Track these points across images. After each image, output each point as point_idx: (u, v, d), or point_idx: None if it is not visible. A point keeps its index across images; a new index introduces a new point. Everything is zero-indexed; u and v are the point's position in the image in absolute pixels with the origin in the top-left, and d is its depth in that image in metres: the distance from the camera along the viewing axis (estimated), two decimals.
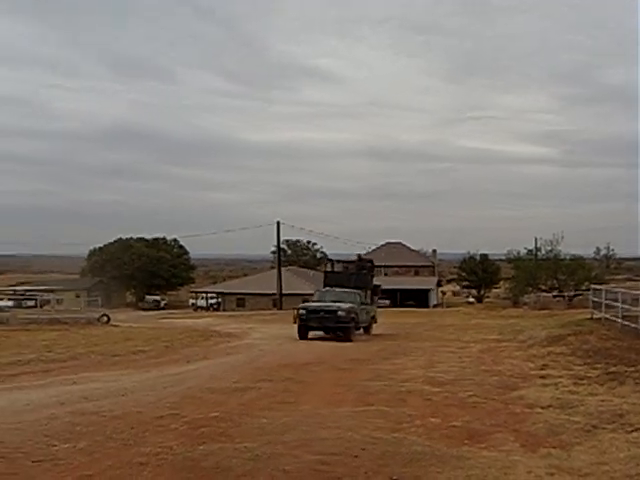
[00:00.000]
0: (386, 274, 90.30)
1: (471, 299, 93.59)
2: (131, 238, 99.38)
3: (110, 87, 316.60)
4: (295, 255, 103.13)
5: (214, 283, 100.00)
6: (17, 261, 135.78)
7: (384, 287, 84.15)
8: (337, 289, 30.46)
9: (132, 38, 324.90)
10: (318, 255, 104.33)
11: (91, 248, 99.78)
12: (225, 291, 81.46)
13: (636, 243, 60.96)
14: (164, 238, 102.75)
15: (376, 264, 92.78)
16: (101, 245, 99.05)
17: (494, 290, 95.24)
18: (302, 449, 8.37)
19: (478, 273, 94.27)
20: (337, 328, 27.44)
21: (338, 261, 36.09)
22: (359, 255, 36.63)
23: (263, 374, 15.52)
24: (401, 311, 60.73)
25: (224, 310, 75.35)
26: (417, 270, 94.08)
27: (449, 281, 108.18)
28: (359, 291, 30.59)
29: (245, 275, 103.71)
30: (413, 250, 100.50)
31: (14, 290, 68.61)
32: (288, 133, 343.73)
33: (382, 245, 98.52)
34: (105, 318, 41.76)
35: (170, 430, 9.48)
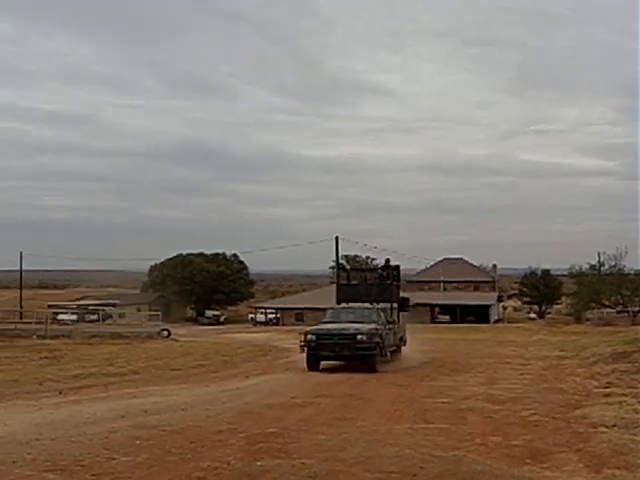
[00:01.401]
0: (445, 289, 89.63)
1: (532, 315, 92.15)
2: (191, 254, 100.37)
3: (172, 105, 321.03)
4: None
5: (273, 298, 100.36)
6: (80, 276, 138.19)
7: (445, 302, 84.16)
8: (355, 305, 24.10)
9: (193, 55, 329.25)
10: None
11: (152, 263, 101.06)
12: (284, 306, 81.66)
13: None
14: (224, 253, 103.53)
15: (435, 279, 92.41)
16: (162, 260, 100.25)
17: (556, 306, 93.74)
18: (360, 467, 8.28)
19: (540, 288, 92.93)
20: (357, 357, 20.81)
21: (355, 269, 32.11)
22: (387, 260, 27.49)
23: (322, 389, 15.50)
24: (460, 327, 60.11)
25: (283, 325, 75.57)
26: (477, 285, 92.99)
27: (510, 296, 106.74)
28: (383, 306, 24.00)
29: (304, 290, 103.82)
30: (473, 265, 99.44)
31: (78, 304, 69.88)
32: (346, 148, 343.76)
33: (441, 260, 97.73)
34: (165, 332, 42.19)
35: (228, 445, 9.49)
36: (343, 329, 21.04)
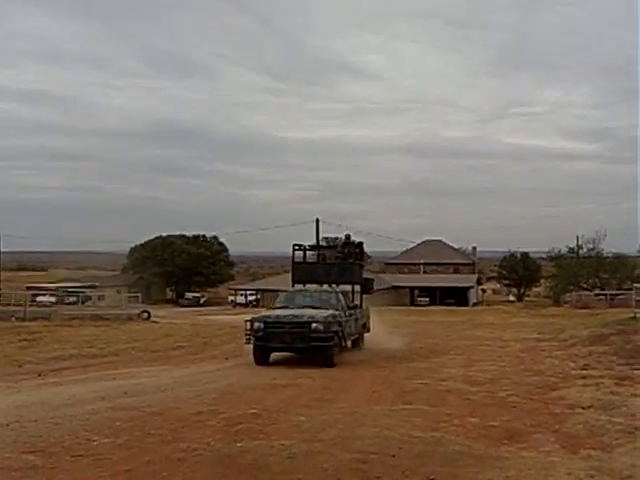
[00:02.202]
0: (425, 272, 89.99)
1: (512, 297, 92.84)
2: (171, 235, 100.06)
3: (154, 84, 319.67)
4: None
5: (253, 280, 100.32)
6: (58, 257, 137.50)
7: (424, 285, 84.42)
8: (312, 288, 20.85)
9: (176, 35, 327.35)
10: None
11: (132, 245, 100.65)
12: (264, 288, 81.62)
13: None
14: (204, 235, 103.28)
15: (415, 262, 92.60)
16: (142, 242, 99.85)
17: (535, 289, 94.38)
18: (339, 447, 8.35)
19: (519, 271, 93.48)
20: (312, 348, 17.44)
21: (312, 247, 24.84)
22: (347, 236, 23.51)
23: (302, 371, 15.57)
24: (439, 309, 60.44)
25: (263, 307, 75.61)
26: (457, 268, 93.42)
27: (489, 279, 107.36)
28: (343, 289, 20.98)
29: (285, 272, 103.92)
30: (453, 248, 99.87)
31: (57, 287, 69.56)
32: (327, 130, 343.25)
33: (421, 243, 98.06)
34: (145, 314, 42.13)
35: (208, 426, 9.53)
36: (296, 316, 17.63)
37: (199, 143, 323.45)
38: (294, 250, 22.71)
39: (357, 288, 22.37)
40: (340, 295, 19.84)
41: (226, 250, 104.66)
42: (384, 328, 25.73)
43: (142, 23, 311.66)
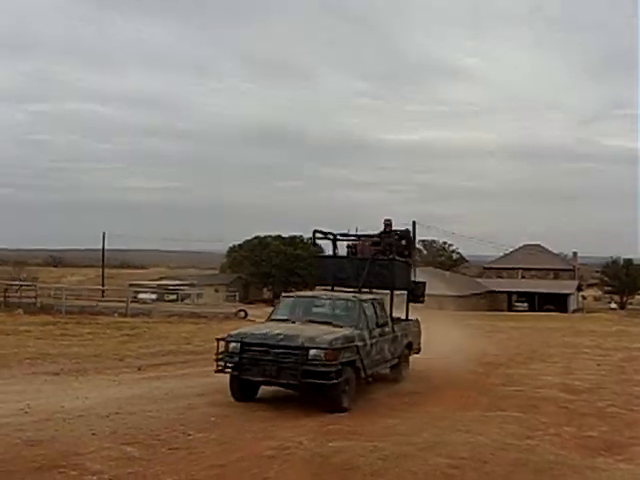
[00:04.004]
0: (524, 277, 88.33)
1: (613, 305, 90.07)
2: (269, 236, 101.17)
3: (253, 88, 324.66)
4: (431, 256, 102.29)
5: None
6: (159, 256, 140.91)
7: (522, 290, 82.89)
8: (324, 295, 14.11)
9: (274, 39, 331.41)
10: (454, 256, 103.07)
11: (230, 245, 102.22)
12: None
13: None
14: (301, 236, 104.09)
15: (514, 266, 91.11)
16: (240, 242, 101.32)
17: (638, 297, 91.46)
18: (431, 451, 8.32)
19: (621, 278, 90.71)
20: (307, 387, 11.36)
21: (345, 235, 16.12)
22: (388, 222, 15.96)
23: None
24: (538, 315, 59.23)
25: None
26: (556, 273, 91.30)
27: (590, 286, 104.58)
28: (377, 297, 14.35)
29: None
30: (553, 253, 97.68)
31: (157, 284, 71.27)
32: (424, 132, 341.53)
33: (520, 247, 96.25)
34: (242, 313, 42.65)
35: (300, 425, 9.65)
36: (288, 337, 11.49)
37: (295, 146, 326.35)
38: (315, 239, 15.94)
39: (400, 293, 16.15)
40: (365, 305, 13.22)
41: (322, 251, 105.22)
42: (479, 332, 25.33)
43: (240, 28, 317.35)
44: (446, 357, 19.27)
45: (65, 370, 15.36)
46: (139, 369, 15.84)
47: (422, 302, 16.56)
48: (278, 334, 11.63)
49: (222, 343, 11.97)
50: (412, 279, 16.51)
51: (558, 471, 7.66)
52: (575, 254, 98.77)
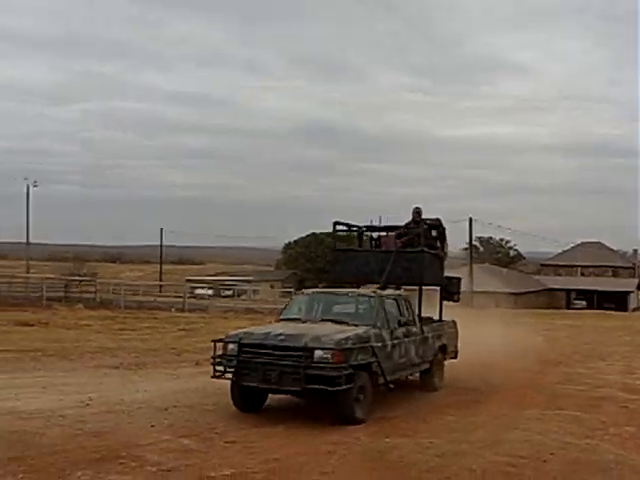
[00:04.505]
0: (583, 274, 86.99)
1: None
2: (323, 233, 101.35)
3: (303, 86, 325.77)
4: (487, 252, 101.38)
5: None
6: (215, 252, 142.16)
7: (581, 288, 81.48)
8: (340, 291, 12.75)
9: (324, 37, 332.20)
10: (511, 253, 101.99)
11: (285, 241, 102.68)
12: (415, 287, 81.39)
13: None
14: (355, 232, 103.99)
15: (572, 264, 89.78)
16: (295, 239, 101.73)
17: None
18: (489, 449, 8.26)
19: None
20: (311, 393, 9.85)
21: (371, 227, 14.75)
22: (417, 210, 14.06)
23: (446, 371, 15.35)
24: (596, 313, 58.26)
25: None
26: (616, 271, 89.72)
27: None
28: (402, 293, 12.88)
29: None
30: (612, 250, 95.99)
31: (214, 280, 71.94)
32: (478, 128, 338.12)
33: (578, 244, 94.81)
34: None
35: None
36: (289, 336, 10.17)
37: (345, 143, 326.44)
38: (335, 232, 14.63)
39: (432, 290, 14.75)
40: (387, 302, 11.82)
41: (378, 247, 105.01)
42: (536, 330, 24.99)
43: (290, 27, 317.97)
44: (503, 355, 19.09)
45: (124, 364, 15.61)
46: (196, 364, 16.00)
47: (457, 300, 14.73)
48: (280, 334, 10.20)
49: (220, 345, 10.76)
50: (446, 275, 14.57)
51: (618, 471, 7.55)
52: (636, 251, 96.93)
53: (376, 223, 14.51)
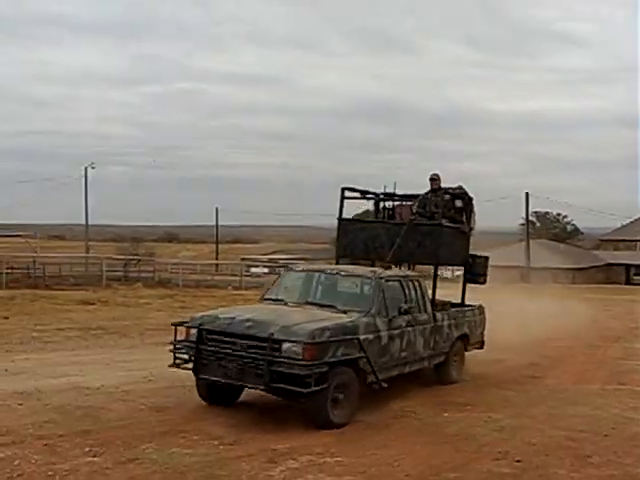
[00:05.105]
0: None
1: None
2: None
3: (358, 62, 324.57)
4: (544, 228, 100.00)
5: None
6: (270, 231, 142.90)
7: None
8: (340, 269, 10.68)
9: (378, 11, 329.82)
10: (569, 228, 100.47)
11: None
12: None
13: None
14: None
15: (632, 238, 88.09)
16: (351, 216, 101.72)
17: None
18: (549, 424, 8.26)
19: None
20: (275, 391, 8.27)
21: (389, 195, 12.82)
22: (434, 177, 12.05)
23: (505, 346, 15.20)
24: None
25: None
26: None
27: None
28: (411, 274, 11.06)
29: (492, 248, 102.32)
30: None
31: (269, 259, 72.45)
32: (536, 102, 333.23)
33: (638, 219, 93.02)
34: None
35: (414, 396, 9.71)
36: (256, 323, 8.53)
37: (404, 119, 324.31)
38: (343, 199, 12.43)
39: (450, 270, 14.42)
40: (387, 284, 9.81)
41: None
42: (596, 305, 24.66)
43: (346, 3, 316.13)
44: (561, 330, 18.89)
45: None
46: None
47: (483, 283, 12.63)
48: (247, 319, 8.59)
49: (182, 329, 9.17)
50: (469, 253, 12.54)
51: None
52: None
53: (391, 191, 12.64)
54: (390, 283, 9.89)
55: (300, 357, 7.95)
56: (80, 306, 22.56)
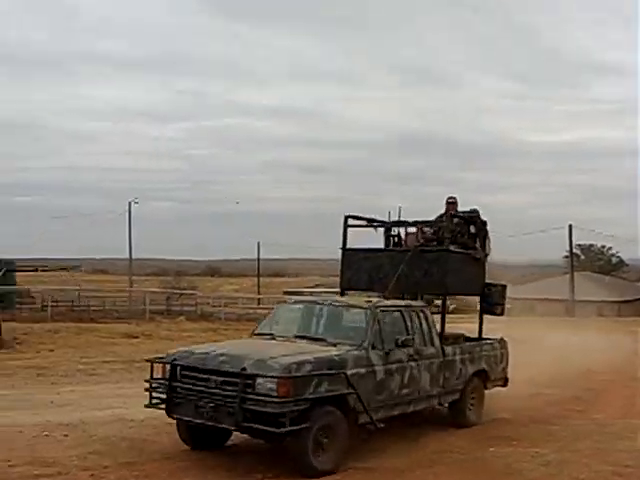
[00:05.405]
0: None
1: None
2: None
3: (395, 95, 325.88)
4: (589, 260, 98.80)
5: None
6: (309, 264, 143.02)
7: None
8: (334, 300, 9.95)
9: (416, 44, 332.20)
10: (614, 260, 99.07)
11: None
12: (514, 296, 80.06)
13: None
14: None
15: None
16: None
17: None
18: (595, 458, 8.15)
19: None
20: (249, 432, 7.68)
21: (399, 222, 11.58)
22: (452, 200, 11.58)
23: (548, 380, 14.97)
24: None
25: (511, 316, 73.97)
26: None
27: None
28: (414, 304, 10.01)
29: (529, 281, 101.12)
30: None
31: (311, 292, 72.44)
32: (577, 132, 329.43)
33: None
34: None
35: (461, 431, 9.65)
36: (231, 357, 7.87)
37: (440, 151, 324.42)
38: (346, 228, 11.47)
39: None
40: (383, 315, 8.99)
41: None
42: None
43: (382, 35, 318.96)
44: (607, 364, 18.61)
45: None
46: None
47: (499, 314, 11.63)
48: (222, 354, 7.96)
49: (159, 367, 8.42)
50: (488, 282, 11.65)
51: None
52: None
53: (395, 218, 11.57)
54: (388, 314, 9.11)
55: (274, 393, 7.20)
56: (124, 339, 22.79)
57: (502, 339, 11.55)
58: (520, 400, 12.00)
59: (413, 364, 8.99)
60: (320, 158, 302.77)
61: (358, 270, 11.19)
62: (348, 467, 7.66)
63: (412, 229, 11.42)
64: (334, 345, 8.38)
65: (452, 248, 10.61)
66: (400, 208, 11.42)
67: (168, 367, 8.11)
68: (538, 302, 74.81)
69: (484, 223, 11.41)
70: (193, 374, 7.86)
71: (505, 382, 11.37)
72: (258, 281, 77.52)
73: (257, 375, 7.32)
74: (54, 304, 31.52)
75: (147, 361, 8.60)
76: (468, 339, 11.14)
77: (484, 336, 11.57)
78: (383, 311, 9.00)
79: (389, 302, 9.51)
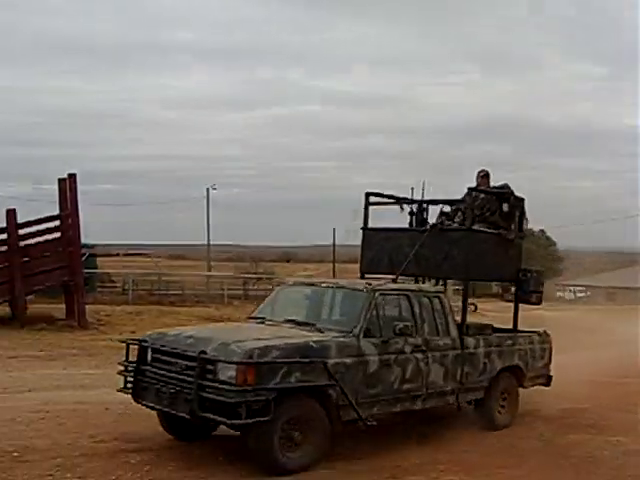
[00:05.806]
0: None
1: None
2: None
3: (480, 82, 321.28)
4: None
5: (582, 276, 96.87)
6: None
7: None
8: (331, 283, 9.28)
9: (499, 28, 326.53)
10: None
11: None
12: (594, 284, 78.49)
13: None
14: (531, 229, 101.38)
15: None
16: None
17: None
18: None
19: None
20: (205, 422, 7.02)
21: (432, 201, 10.27)
22: (483, 174, 10.26)
23: (629, 369, 14.64)
24: None
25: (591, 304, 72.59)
26: None
27: None
28: (426, 288, 9.16)
29: (617, 268, 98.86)
30: None
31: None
32: None
33: None
34: (472, 307, 42.32)
35: (540, 417, 9.62)
36: (197, 340, 7.26)
37: (526, 136, 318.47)
38: (368, 205, 10.37)
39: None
40: (382, 299, 8.07)
41: (554, 244, 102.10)
42: None
43: (464, 20, 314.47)
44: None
45: None
46: None
47: (536, 302, 10.35)
48: (190, 336, 7.39)
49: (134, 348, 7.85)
50: (520, 266, 10.21)
51: None
52: None
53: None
54: (390, 298, 8.17)
55: (234, 380, 6.51)
56: (204, 322, 23.12)
57: (544, 332, 10.33)
58: (601, 389, 11.84)
59: (419, 356, 8.01)
60: (400, 144, 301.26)
61: (379, 251, 10.03)
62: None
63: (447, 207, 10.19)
64: (321, 331, 7.61)
65: (477, 227, 9.45)
66: (424, 183, 10.11)
67: (141, 349, 7.64)
68: (620, 290, 73.31)
69: (520, 199, 10.02)
70: (160, 357, 7.35)
71: (548, 380, 10.08)
72: (334, 267, 77.50)
73: (218, 360, 6.69)
74: (135, 288, 32.15)
75: (122, 342, 8.17)
76: (498, 330, 9.94)
77: (532, 329, 10.37)
78: (383, 295, 8.05)
79: (394, 285, 8.56)
